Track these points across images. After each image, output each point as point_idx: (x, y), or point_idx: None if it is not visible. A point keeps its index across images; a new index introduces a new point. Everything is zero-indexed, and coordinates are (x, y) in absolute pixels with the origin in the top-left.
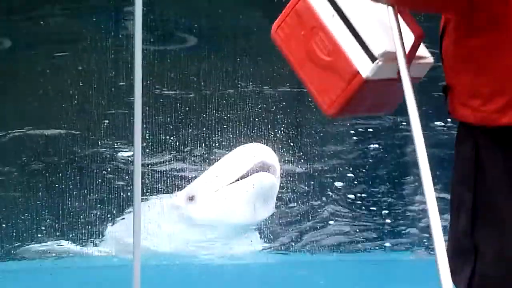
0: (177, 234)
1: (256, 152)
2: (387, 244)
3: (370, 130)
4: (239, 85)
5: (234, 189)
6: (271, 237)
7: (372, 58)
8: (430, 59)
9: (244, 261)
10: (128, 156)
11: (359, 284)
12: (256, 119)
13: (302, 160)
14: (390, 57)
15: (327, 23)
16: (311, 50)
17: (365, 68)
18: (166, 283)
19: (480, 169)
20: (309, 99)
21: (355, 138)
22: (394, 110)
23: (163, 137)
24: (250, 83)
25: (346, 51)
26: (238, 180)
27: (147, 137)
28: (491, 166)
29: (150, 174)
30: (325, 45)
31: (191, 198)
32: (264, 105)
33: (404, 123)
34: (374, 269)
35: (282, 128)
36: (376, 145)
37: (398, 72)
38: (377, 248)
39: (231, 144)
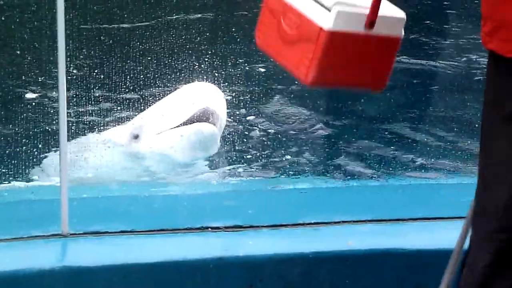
0: (118, 168)
1: (200, 94)
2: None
3: None
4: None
5: (175, 134)
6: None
7: (329, 10)
8: (400, 15)
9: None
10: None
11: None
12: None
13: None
14: (346, 3)
15: (291, 2)
16: (283, 31)
17: (326, 21)
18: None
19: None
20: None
21: None
22: (383, 87)
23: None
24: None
25: (309, 16)
26: (180, 125)
27: (71, 74)
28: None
29: (78, 113)
30: (293, 21)
31: (135, 137)
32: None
33: None
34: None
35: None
36: None
37: (367, 24)
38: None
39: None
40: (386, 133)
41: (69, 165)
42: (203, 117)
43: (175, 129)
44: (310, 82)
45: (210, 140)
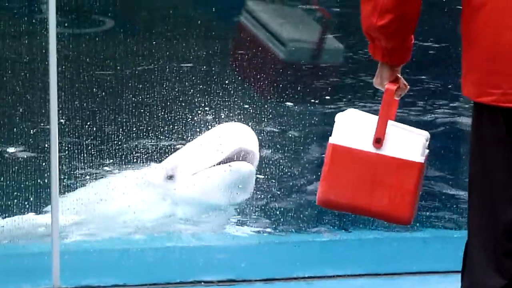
0: (153, 209)
1: (235, 134)
2: None
3: None
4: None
5: (212, 174)
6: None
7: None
8: (420, 137)
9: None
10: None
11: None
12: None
13: None
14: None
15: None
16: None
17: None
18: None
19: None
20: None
21: None
22: (407, 221)
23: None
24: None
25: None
26: (216, 165)
27: (63, 123)
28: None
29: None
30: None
31: (170, 177)
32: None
33: None
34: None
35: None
36: None
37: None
38: None
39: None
40: None
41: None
42: (240, 157)
43: (212, 168)
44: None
45: (248, 179)
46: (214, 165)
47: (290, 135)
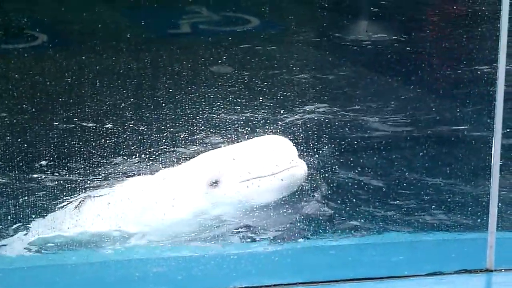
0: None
1: (287, 148)
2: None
3: None
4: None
5: (263, 183)
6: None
7: None
8: None
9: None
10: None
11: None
12: None
13: None
14: None
15: None
16: None
17: None
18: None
19: None
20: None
21: None
22: None
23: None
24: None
25: None
26: (268, 176)
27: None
28: None
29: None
30: None
31: (214, 183)
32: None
33: None
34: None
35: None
36: None
37: None
38: None
39: None
40: None
41: None
42: (294, 164)
43: (263, 178)
44: None
45: (299, 182)
46: (267, 176)
47: None
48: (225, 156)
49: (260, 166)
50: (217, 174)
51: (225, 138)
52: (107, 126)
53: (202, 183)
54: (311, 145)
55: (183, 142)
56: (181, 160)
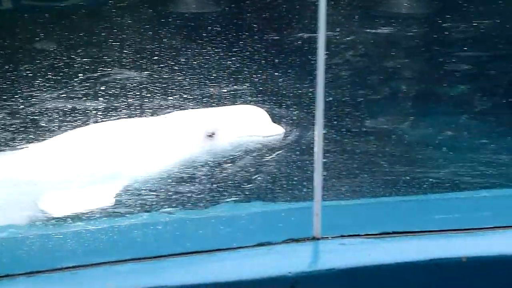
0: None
1: (264, 115)
2: None
3: None
4: None
5: (255, 140)
6: None
7: None
8: None
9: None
10: None
11: None
12: None
13: None
14: None
15: None
16: None
17: None
18: None
19: None
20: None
21: None
22: None
23: None
24: None
25: None
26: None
27: None
28: None
29: None
30: None
31: (211, 135)
32: None
33: None
34: None
35: None
36: None
37: None
38: None
39: None
40: None
41: None
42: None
43: (253, 137)
44: None
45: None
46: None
47: None
48: (222, 114)
49: (254, 128)
50: (214, 128)
51: None
52: None
53: (199, 135)
54: None
55: None
56: None
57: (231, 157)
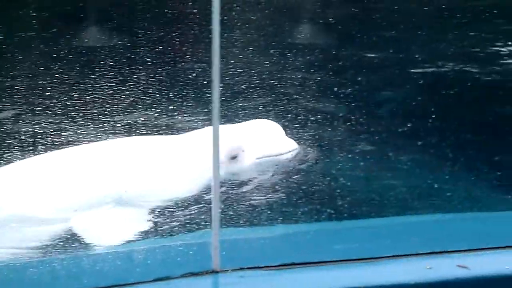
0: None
1: (278, 130)
2: None
3: None
4: None
5: (278, 161)
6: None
7: None
8: None
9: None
10: None
11: None
12: None
13: None
14: None
15: None
16: None
17: None
18: None
19: None
20: None
21: None
22: None
23: None
24: None
25: None
26: (277, 155)
27: None
28: None
29: None
30: None
31: (233, 157)
32: None
33: None
34: None
35: None
36: None
37: None
38: None
39: None
40: None
41: None
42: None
43: (275, 157)
44: None
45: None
46: (278, 155)
47: None
48: (243, 134)
49: (270, 146)
50: (238, 149)
51: None
52: None
53: (222, 156)
54: None
55: None
56: None
57: None
